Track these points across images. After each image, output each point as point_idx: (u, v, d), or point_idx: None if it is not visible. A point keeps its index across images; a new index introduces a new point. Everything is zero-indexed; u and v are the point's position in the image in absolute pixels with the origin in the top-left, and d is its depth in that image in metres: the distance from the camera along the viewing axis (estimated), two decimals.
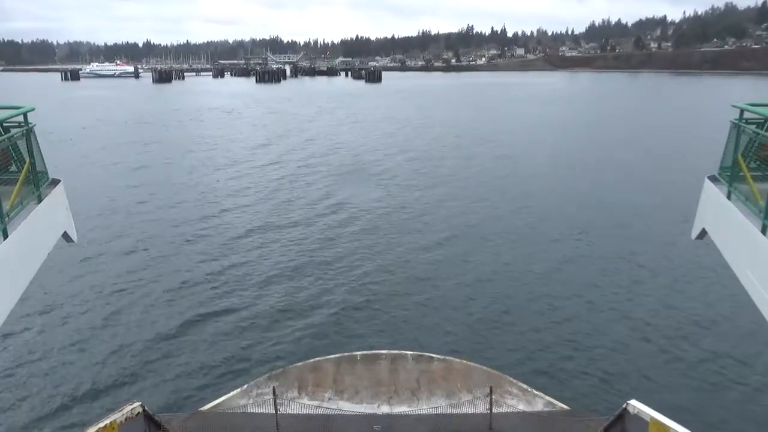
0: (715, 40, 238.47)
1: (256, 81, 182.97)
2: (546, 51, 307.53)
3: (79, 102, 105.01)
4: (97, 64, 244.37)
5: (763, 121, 7.36)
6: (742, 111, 7.22)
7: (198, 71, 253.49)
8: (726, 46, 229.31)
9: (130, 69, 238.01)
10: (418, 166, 42.64)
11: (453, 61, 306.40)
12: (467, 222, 27.78)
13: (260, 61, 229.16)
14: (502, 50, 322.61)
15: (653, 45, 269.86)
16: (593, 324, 16.85)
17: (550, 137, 57.48)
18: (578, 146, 52.14)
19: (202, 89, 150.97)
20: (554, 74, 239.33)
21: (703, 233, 8.05)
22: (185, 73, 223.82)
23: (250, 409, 10.11)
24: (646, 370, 14.28)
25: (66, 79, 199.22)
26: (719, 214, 7.49)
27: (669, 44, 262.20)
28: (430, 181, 37.11)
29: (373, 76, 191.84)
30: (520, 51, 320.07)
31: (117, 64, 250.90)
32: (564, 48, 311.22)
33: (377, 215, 29.03)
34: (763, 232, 5.85)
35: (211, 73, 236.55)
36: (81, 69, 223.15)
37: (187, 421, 9.67)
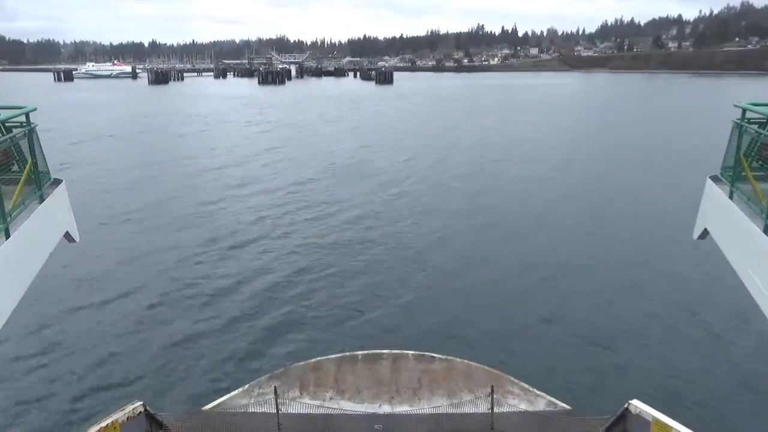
0: (737, 39, 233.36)
1: (259, 82, 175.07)
2: (561, 51, 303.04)
3: (54, 107, 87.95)
4: (93, 64, 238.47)
5: (765, 120, 7.32)
6: (744, 111, 7.20)
7: (200, 71, 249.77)
8: (749, 46, 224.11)
9: (128, 69, 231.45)
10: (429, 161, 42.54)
11: (465, 61, 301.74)
12: (468, 221, 27.78)
13: (264, 61, 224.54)
14: (515, 50, 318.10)
15: (671, 45, 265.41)
16: (595, 323, 16.83)
17: (572, 140, 57.04)
18: (586, 148, 52.08)
19: (199, 91, 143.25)
20: (571, 75, 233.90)
21: (705, 233, 8.02)
22: (185, 74, 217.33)
23: (251, 409, 10.12)
24: (647, 369, 14.25)
25: (59, 80, 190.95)
26: (721, 214, 7.46)
27: (688, 44, 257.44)
28: (432, 185, 37.11)
29: (384, 77, 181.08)
30: (534, 51, 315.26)
31: (114, 64, 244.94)
32: (579, 48, 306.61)
33: (377, 216, 29.05)
34: (765, 231, 5.83)
35: (212, 74, 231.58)
36: (75, 69, 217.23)
37: (189, 420, 9.69)
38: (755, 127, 7.15)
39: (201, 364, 14.70)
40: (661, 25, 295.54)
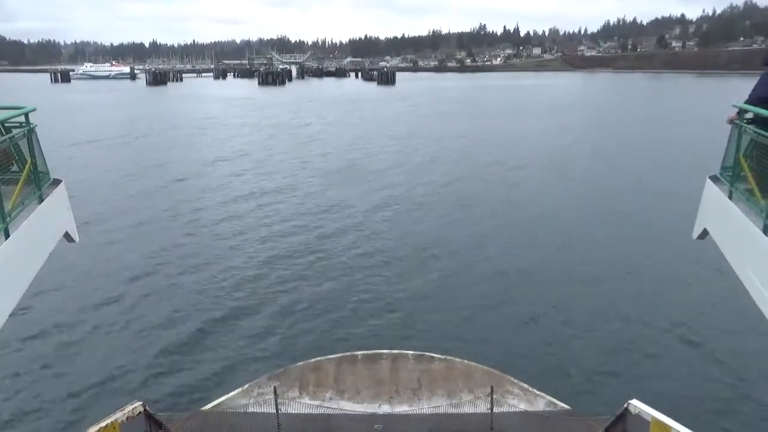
0: (742, 38, 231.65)
1: (259, 83, 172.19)
2: (564, 51, 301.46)
3: (48, 108, 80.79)
4: (90, 64, 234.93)
5: (764, 121, 7.30)
6: (744, 111, 7.20)
7: (199, 72, 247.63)
8: (754, 46, 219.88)
9: (126, 70, 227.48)
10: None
11: (468, 61, 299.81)
12: (467, 222, 27.77)
13: (265, 62, 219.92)
14: (518, 50, 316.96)
15: (675, 44, 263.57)
16: (594, 324, 16.82)
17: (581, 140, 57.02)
18: (587, 148, 52.09)
19: (196, 93, 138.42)
20: (574, 75, 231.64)
21: (705, 233, 8.01)
22: (184, 74, 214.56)
23: (251, 409, 10.12)
24: (647, 369, 14.25)
25: (56, 81, 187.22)
26: (720, 214, 7.46)
27: (692, 43, 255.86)
28: (432, 187, 37.11)
29: (386, 78, 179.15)
30: (537, 50, 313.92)
31: (112, 65, 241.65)
32: (582, 47, 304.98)
33: (378, 215, 29.05)
34: (765, 231, 5.81)
35: (212, 74, 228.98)
36: (73, 70, 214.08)
37: (189, 420, 9.69)
38: (754, 127, 7.14)
39: (201, 364, 14.70)
40: (663, 24, 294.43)
